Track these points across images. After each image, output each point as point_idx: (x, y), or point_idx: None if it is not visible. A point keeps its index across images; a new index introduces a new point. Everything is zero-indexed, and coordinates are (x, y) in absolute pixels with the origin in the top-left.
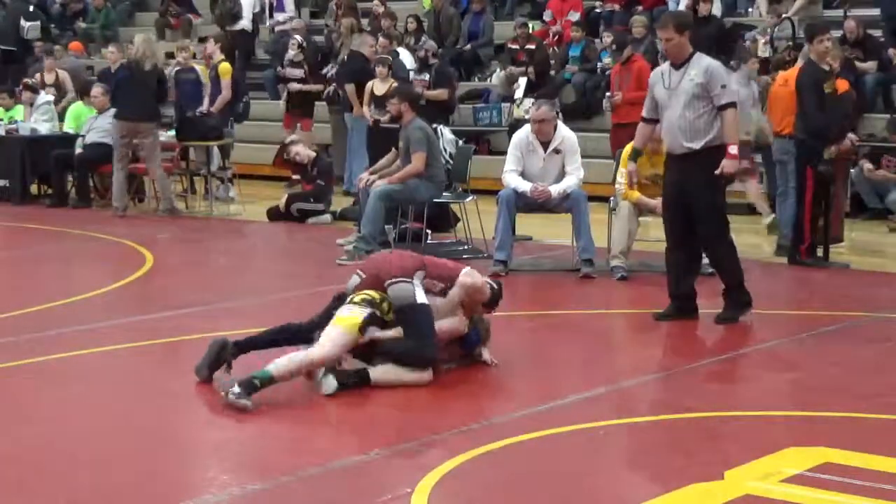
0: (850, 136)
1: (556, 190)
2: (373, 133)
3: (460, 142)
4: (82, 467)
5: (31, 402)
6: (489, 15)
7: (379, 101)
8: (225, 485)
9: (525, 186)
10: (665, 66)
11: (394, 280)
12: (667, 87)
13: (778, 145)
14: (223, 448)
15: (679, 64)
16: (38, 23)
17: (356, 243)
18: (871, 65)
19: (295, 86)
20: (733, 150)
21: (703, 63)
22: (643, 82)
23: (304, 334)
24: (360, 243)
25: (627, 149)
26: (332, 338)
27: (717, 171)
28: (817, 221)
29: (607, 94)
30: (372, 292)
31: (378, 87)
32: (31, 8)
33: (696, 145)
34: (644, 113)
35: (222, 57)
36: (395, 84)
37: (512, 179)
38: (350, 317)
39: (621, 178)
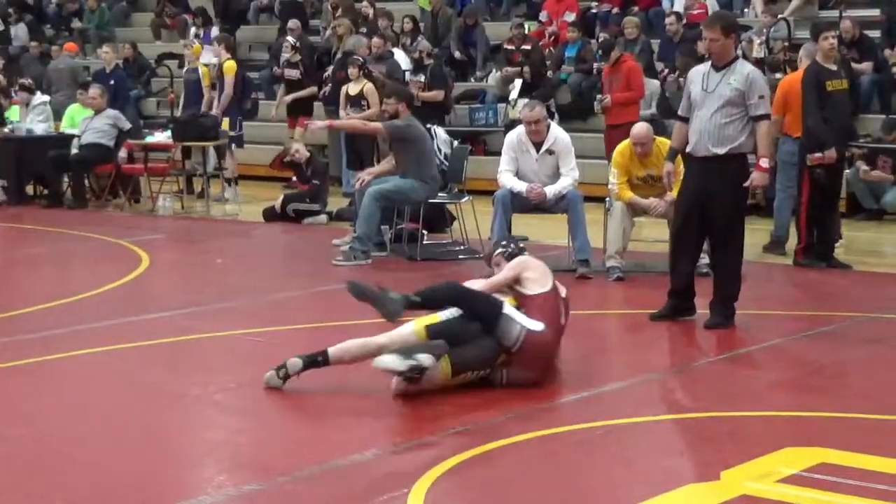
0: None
1: (551, 191)
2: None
3: (455, 142)
4: (79, 467)
5: (27, 403)
6: (482, 27)
7: (354, 101)
8: (221, 485)
9: (520, 186)
10: (704, 67)
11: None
12: (704, 89)
13: (792, 147)
14: (220, 448)
15: (721, 66)
16: None
17: (352, 244)
18: (867, 65)
19: (287, 98)
20: (765, 163)
21: (745, 70)
22: (632, 83)
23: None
24: (356, 244)
25: (619, 149)
26: None
27: (746, 184)
28: (813, 222)
29: (598, 96)
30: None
31: (352, 87)
32: None
33: (721, 150)
34: (680, 112)
35: (228, 56)
36: (368, 84)
37: (507, 180)
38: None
39: (614, 179)
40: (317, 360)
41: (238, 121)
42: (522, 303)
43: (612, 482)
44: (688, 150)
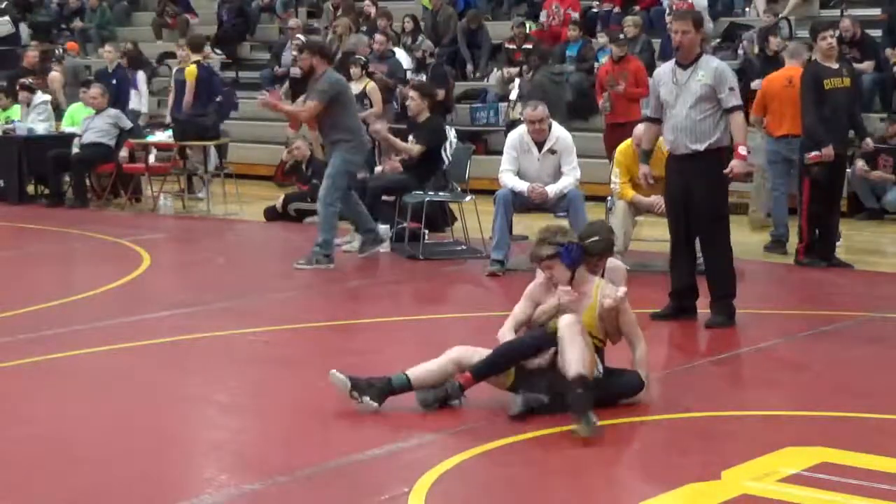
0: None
1: (552, 190)
2: None
3: (456, 141)
4: (80, 467)
5: (28, 402)
6: (485, 29)
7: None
8: (222, 485)
9: (522, 186)
10: (669, 66)
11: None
12: (675, 84)
13: (775, 146)
14: (221, 448)
15: (687, 63)
16: (8, 18)
17: (314, 248)
18: (868, 65)
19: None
20: (743, 150)
21: (711, 64)
22: (640, 81)
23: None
24: (319, 248)
25: (621, 148)
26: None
27: (727, 171)
28: (814, 221)
29: (605, 94)
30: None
31: (353, 87)
32: (3, 4)
33: (700, 147)
34: (650, 113)
35: (196, 58)
36: (370, 83)
37: (509, 179)
38: None
39: (616, 178)
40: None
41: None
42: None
43: (612, 481)
44: (666, 149)
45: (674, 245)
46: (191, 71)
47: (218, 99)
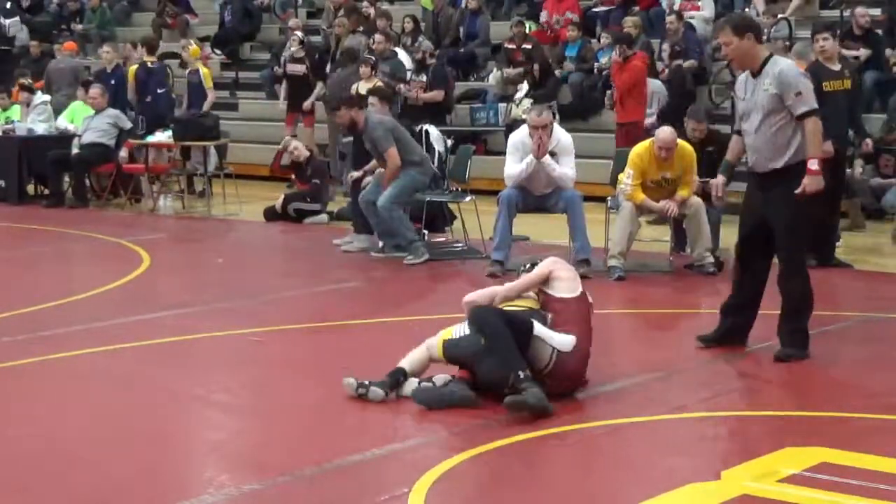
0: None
1: (549, 159)
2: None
3: (449, 140)
4: (80, 467)
5: (27, 403)
6: (486, 15)
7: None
8: (222, 485)
9: (524, 164)
10: (744, 76)
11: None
12: (744, 99)
13: None
14: (221, 448)
15: (756, 72)
16: (18, 19)
17: (410, 248)
18: (864, 52)
19: (307, 103)
20: (814, 165)
21: (775, 69)
22: (638, 80)
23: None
24: (414, 247)
25: (637, 150)
26: None
27: (798, 191)
28: (815, 221)
29: (608, 92)
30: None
31: (362, 87)
32: (9, 5)
33: (778, 164)
34: (736, 125)
35: (150, 59)
36: (378, 83)
37: (513, 169)
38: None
39: (628, 180)
40: (398, 380)
41: (140, 120)
42: (550, 307)
43: (612, 482)
44: (748, 166)
45: (741, 264)
46: (131, 71)
47: (147, 99)
